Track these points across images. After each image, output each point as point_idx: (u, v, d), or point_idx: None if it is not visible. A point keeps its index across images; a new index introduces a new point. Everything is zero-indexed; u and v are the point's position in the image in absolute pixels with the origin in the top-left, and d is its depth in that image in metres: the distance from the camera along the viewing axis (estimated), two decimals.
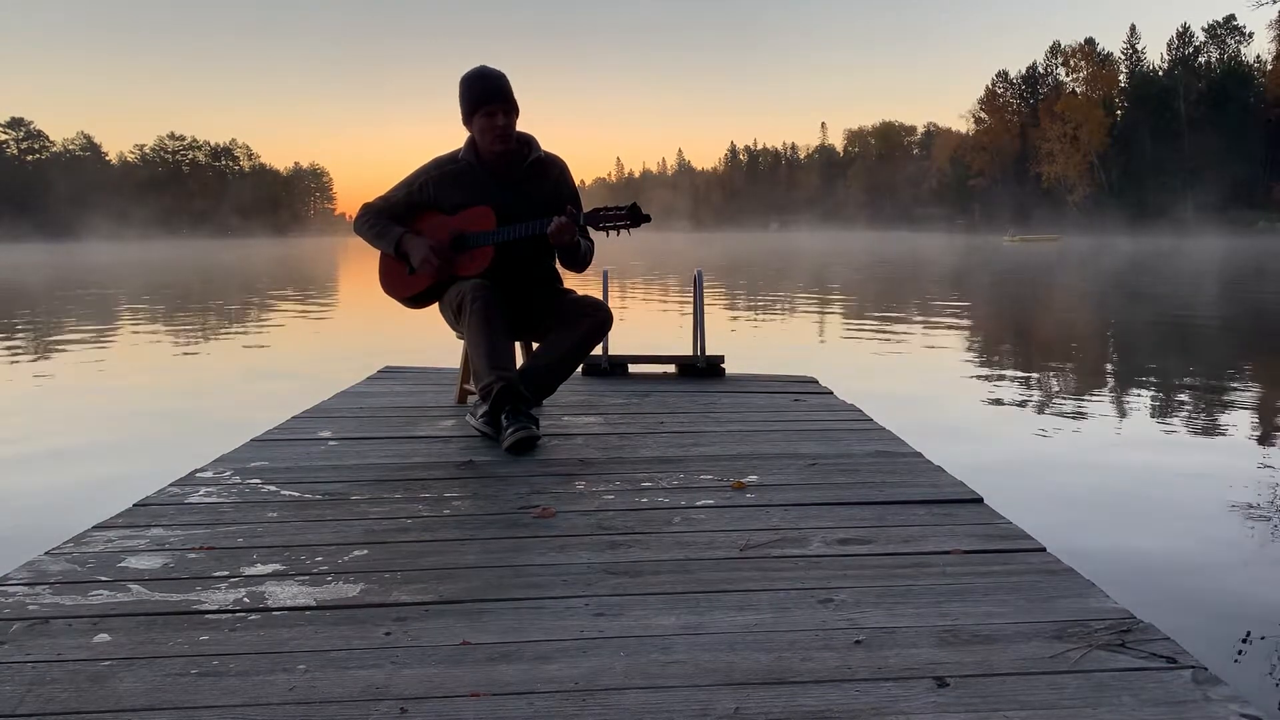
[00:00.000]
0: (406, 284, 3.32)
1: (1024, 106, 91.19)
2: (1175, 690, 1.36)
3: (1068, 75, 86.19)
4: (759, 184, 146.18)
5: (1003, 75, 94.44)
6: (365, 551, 2.01)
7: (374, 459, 2.87)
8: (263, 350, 9.73)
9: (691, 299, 4.81)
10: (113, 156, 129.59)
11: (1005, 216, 79.20)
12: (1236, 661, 2.36)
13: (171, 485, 2.55)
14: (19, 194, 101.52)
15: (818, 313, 13.69)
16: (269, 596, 1.75)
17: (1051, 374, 7.72)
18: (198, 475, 2.66)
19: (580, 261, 3.32)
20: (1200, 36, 79.20)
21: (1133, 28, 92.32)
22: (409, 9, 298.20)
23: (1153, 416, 5.71)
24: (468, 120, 3.21)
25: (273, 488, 2.53)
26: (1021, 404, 6.17)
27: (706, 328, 4.62)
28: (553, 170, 3.35)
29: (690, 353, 4.60)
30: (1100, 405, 6.18)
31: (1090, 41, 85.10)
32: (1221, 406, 6.03)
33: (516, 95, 3.22)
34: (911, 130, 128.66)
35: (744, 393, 4.06)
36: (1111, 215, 71.82)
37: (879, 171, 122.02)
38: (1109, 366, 8.49)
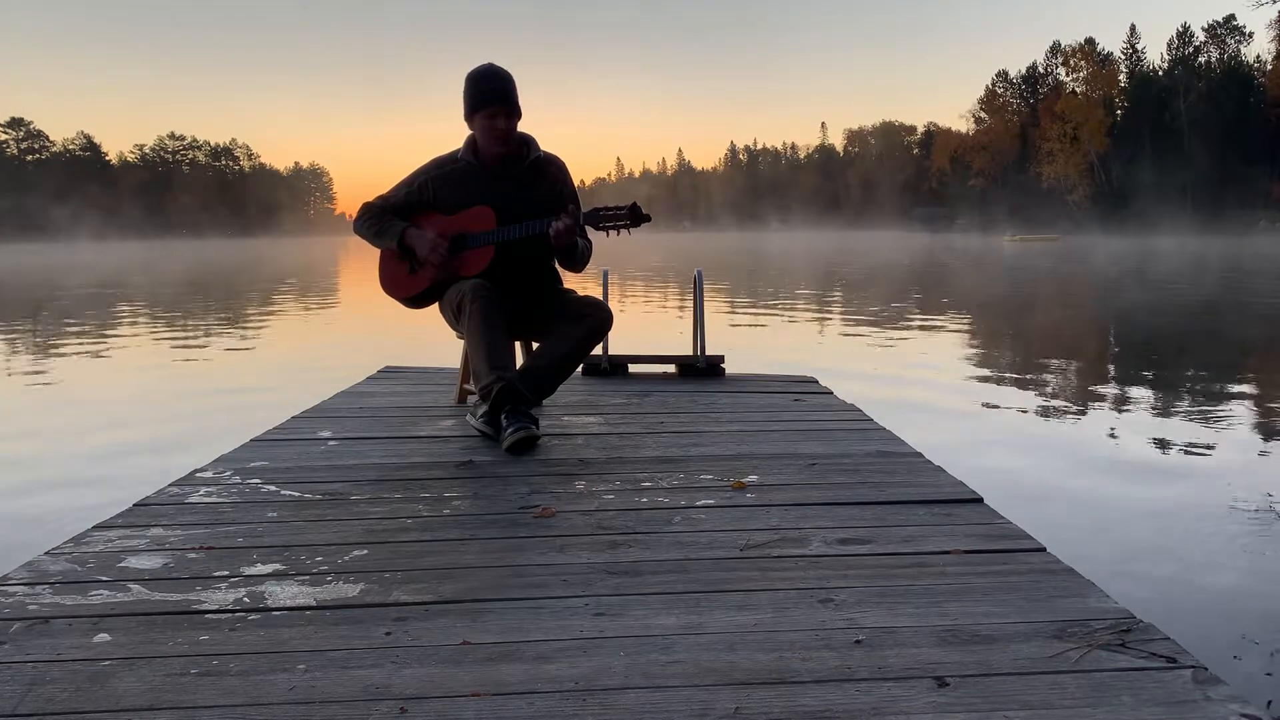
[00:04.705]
0: (407, 284, 3.32)
1: (1024, 106, 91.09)
2: (1175, 690, 1.36)
3: (1068, 75, 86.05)
4: (759, 184, 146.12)
5: (1003, 75, 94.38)
6: (365, 551, 2.01)
7: (374, 459, 2.87)
8: (263, 350, 9.73)
9: (692, 299, 4.81)
10: (113, 156, 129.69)
11: (1005, 216, 79.15)
12: (1236, 662, 2.36)
13: (171, 485, 2.55)
14: (9, 192, 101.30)
15: (816, 313, 13.69)
16: (269, 596, 1.75)
17: (1051, 373, 7.72)
18: (198, 475, 2.66)
19: (579, 261, 3.32)
20: (1200, 36, 79.13)
21: (1133, 28, 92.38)
22: (409, 8, 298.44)
23: (1152, 416, 5.71)
24: (469, 118, 3.22)
25: (273, 488, 2.53)
26: (1021, 404, 6.17)
27: (706, 328, 4.63)
28: (552, 170, 3.35)
29: (690, 353, 4.60)
30: (1100, 404, 6.18)
31: (1090, 41, 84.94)
32: (1221, 406, 6.03)
33: (520, 95, 3.22)
34: (911, 130, 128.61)
35: (744, 393, 4.06)
36: (1112, 215, 71.79)
37: (879, 171, 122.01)
38: (1109, 366, 8.48)
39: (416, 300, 3.35)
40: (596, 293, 3.81)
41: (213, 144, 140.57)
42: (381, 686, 1.40)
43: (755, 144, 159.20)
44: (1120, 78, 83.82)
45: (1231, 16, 78.40)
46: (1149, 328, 11.64)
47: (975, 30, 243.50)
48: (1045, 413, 5.87)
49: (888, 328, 11.20)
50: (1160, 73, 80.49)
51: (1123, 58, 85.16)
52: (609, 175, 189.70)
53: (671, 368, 4.67)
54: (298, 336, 11.24)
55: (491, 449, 2.99)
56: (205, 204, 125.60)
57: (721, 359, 4.58)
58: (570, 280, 3.51)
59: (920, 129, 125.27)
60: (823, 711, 1.32)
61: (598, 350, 4.43)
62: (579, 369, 3.72)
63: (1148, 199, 69.89)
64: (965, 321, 12.32)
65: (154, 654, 1.51)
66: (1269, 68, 73.59)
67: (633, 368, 4.68)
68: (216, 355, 9.23)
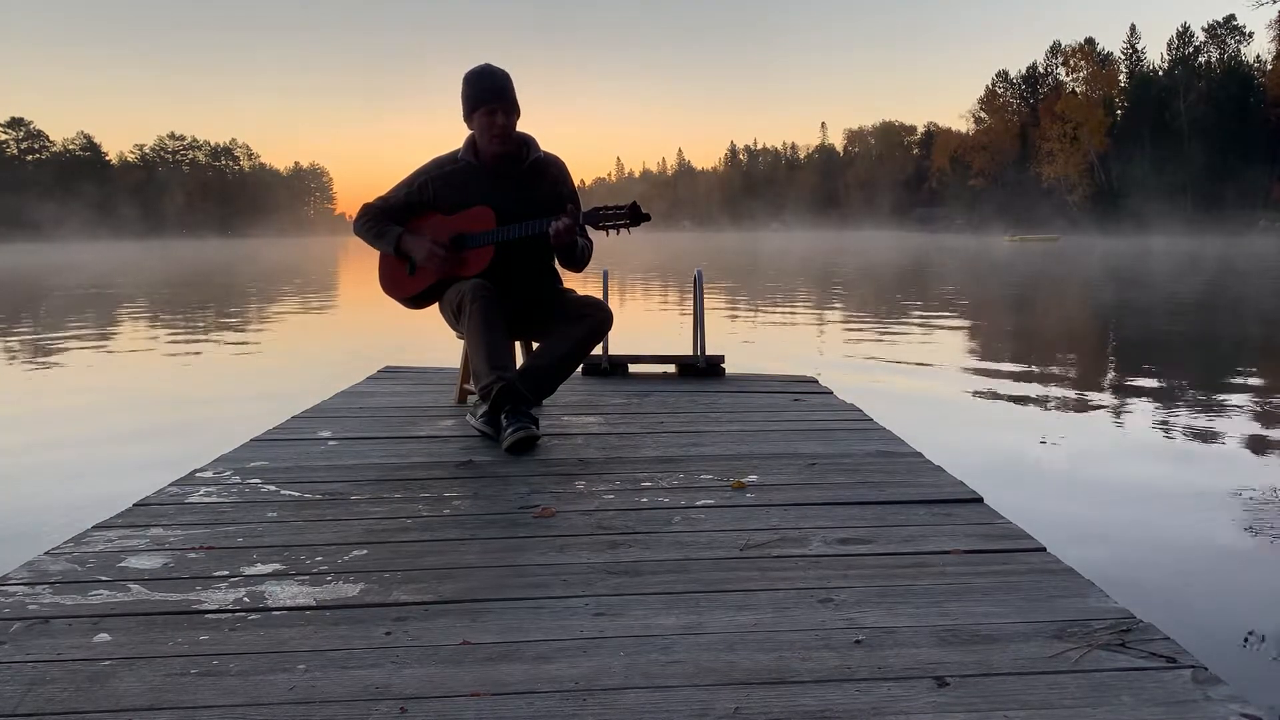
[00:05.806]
0: (406, 284, 3.32)
1: (1024, 106, 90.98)
2: (1175, 690, 1.36)
3: (1068, 75, 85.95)
4: (759, 184, 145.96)
5: (1003, 75, 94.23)
6: (365, 551, 2.01)
7: (374, 459, 2.87)
8: (263, 350, 9.73)
9: (692, 299, 4.81)
10: (113, 156, 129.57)
11: (1005, 216, 79.09)
12: (1236, 662, 2.36)
13: (171, 485, 2.55)
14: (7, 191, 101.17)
15: (816, 313, 13.69)
16: (269, 596, 1.75)
17: (1051, 374, 7.72)
18: (198, 475, 2.66)
19: (579, 260, 3.32)
20: (1200, 36, 79.07)
21: (1133, 28, 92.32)
22: (409, 8, 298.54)
23: (1153, 416, 5.71)
24: (468, 118, 3.22)
25: (273, 488, 2.53)
26: (1021, 404, 6.17)
27: (706, 327, 4.62)
28: (552, 170, 3.35)
29: (690, 353, 4.60)
30: (1100, 405, 6.18)
31: (1090, 41, 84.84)
32: (1222, 406, 6.03)
33: (518, 95, 3.22)
34: (911, 130, 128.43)
35: (744, 393, 4.06)
36: (1112, 215, 71.77)
37: (878, 171, 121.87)
38: (1109, 366, 8.49)
39: (416, 300, 3.35)
40: (596, 293, 3.81)
41: (213, 144, 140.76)
42: (381, 686, 1.40)
43: (755, 144, 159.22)
44: (1120, 78, 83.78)
45: (1231, 16, 78.41)
46: (1149, 327, 11.64)
47: (975, 30, 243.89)
48: (1046, 412, 5.86)
49: (888, 327, 11.19)
50: (1160, 73, 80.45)
51: (1123, 58, 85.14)
52: (609, 175, 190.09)
53: (671, 368, 4.67)
54: (297, 336, 11.24)
55: (491, 449, 2.99)
56: (205, 204, 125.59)
57: (721, 359, 4.58)
58: (570, 280, 3.50)
59: (920, 129, 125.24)
60: (823, 711, 1.32)
61: (598, 350, 4.43)
62: (579, 369, 3.72)
63: (1147, 199, 69.86)
64: (965, 321, 12.32)
65: (154, 654, 1.51)
66: (1269, 68, 73.54)
67: (633, 368, 4.68)
68: (216, 355, 9.23)
